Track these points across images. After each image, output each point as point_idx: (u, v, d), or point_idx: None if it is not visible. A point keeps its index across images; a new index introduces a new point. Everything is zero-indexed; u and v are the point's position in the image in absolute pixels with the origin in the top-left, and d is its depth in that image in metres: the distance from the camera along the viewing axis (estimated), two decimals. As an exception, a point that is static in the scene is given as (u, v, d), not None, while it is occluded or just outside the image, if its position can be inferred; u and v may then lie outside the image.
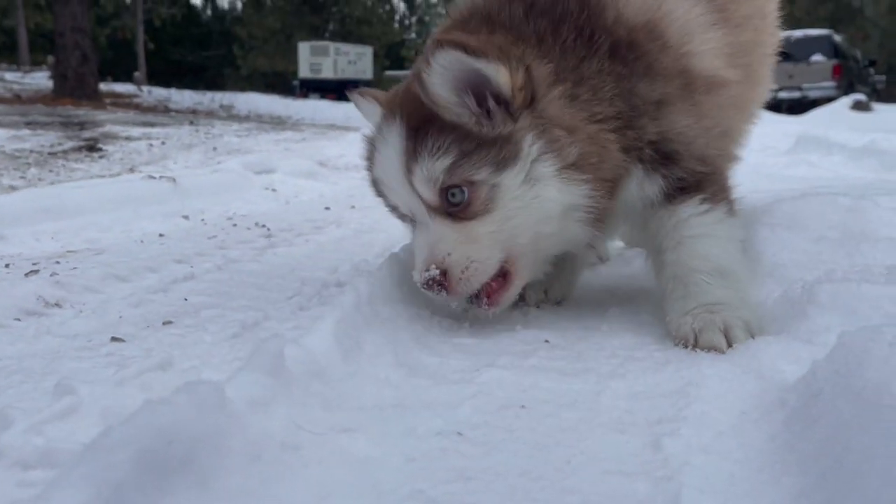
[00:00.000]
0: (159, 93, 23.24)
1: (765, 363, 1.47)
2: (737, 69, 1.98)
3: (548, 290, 2.20)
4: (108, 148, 7.98)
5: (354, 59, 31.13)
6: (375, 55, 35.12)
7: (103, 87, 20.17)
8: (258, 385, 1.31)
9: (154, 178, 4.50)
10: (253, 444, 1.17)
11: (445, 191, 1.70)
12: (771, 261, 2.09)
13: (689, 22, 1.88)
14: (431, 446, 1.28)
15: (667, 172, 1.84)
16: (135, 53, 34.87)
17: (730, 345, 1.63)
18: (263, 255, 3.07)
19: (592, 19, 1.78)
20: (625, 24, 1.80)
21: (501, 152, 1.68)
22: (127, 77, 30.93)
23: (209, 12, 53.32)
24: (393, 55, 45.89)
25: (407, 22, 53.25)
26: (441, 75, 1.67)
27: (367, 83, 30.83)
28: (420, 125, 1.72)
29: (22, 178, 5.58)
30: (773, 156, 7.06)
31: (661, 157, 1.82)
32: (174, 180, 4.42)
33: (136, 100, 20.40)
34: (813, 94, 19.44)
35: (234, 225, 3.83)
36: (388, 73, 34.26)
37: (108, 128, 10.29)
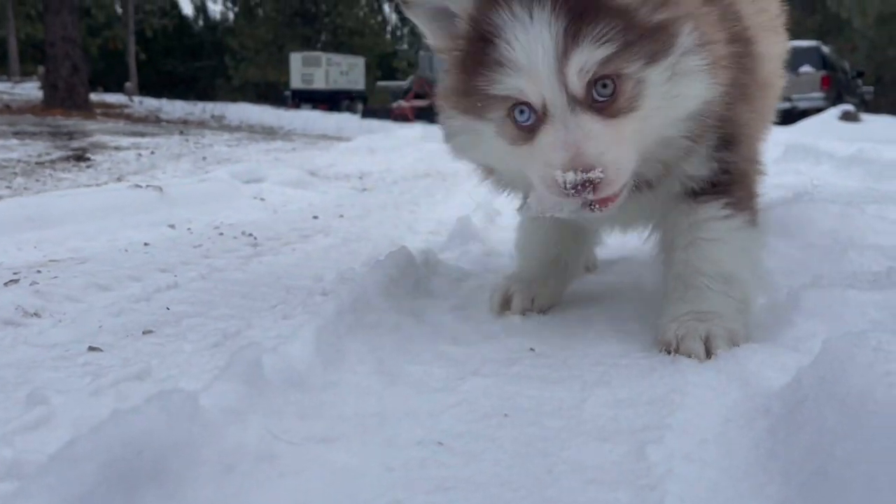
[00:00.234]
0: (150, 103, 23.22)
1: (750, 370, 1.45)
2: (780, 78, 2.04)
3: (535, 299, 2.17)
4: (97, 158, 7.94)
5: (346, 70, 31.18)
6: (367, 66, 35.21)
7: (94, 97, 20.11)
8: (234, 394, 1.29)
9: (140, 187, 4.47)
10: (226, 454, 1.14)
11: (594, 82, 1.55)
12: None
13: (762, 24, 1.97)
14: (411, 456, 1.25)
15: (721, 158, 1.82)
16: (126, 64, 34.83)
17: (709, 355, 1.62)
18: (249, 264, 3.05)
19: None
20: None
21: (656, 43, 1.57)
22: (118, 87, 30.87)
23: (201, 23, 53.35)
24: (385, 66, 46.01)
25: (399, 33, 53.38)
26: None
27: (359, 94, 30.94)
28: (584, 7, 1.54)
29: (8, 187, 5.53)
30: (762, 165, 7.06)
31: (723, 140, 1.81)
32: (161, 189, 4.39)
33: (126, 110, 20.37)
34: (802, 105, 19.55)
35: (221, 234, 3.80)
36: (380, 83, 34.32)
37: (97, 138, 10.25)
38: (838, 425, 1.05)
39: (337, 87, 30.21)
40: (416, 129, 14.44)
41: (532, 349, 1.80)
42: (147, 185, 4.52)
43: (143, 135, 11.25)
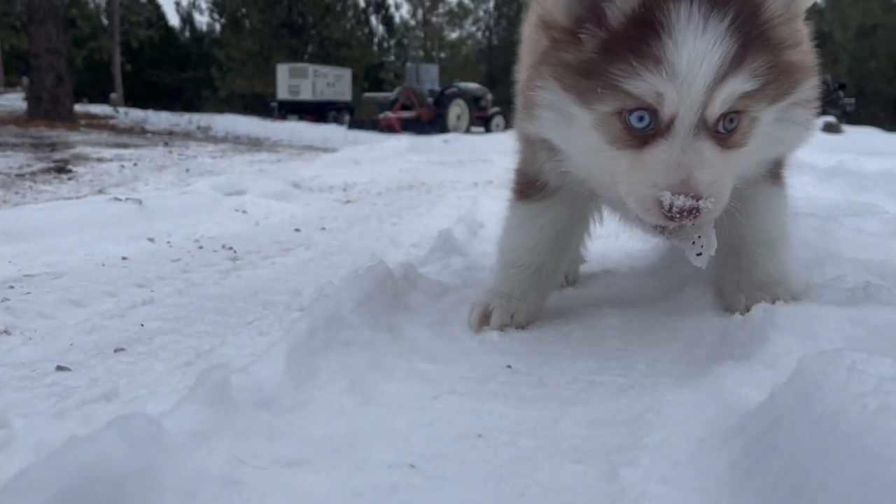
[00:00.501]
0: (136, 114, 23.12)
1: (727, 388, 1.43)
2: None
3: (514, 314, 2.15)
4: (78, 169, 7.87)
5: (333, 82, 31.14)
6: (354, 77, 35.20)
7: (79, 108, 20.02)
8: (199, 417, 1.26)
9: (120, 199, 4.42)
10: (189, 480, 1.11)
11: (726, 114, 1.52)
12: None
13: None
14: (381, 480, 1.23)
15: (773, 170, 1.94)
16: (112, 75, 34.68)
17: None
18: (227, 279, 3.01)
19: None
20: None
21: (781, 86, 1.57)
22: (104, 99, 30.74)
23: (187, 34, 53.24)
24: (372, 77, 46.04)
25: (386, 45, 53.47)
26: None
27: (346, 105, 30.92)
28: (754, 36, 1.49)
29: (-14, 200, 5.47)
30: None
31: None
32: (140, 202, 4.34)
33: (111, 121, 20.27)
34: (786, 116, 19.69)
35: (201, 247, 3.76)
36: (367, 94, 34.30)
37: (79, 149, 10.18)
38: (812, 447, 1.04)
39: (324, 98, 30.16)
40: (403, 141, 14.45)
41: (509, 366, 1.77)
42: (127, 198, 4.46)
43: (126, 146, 11.18)
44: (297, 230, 4.43)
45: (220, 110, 32.32)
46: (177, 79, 48.00)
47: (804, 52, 1.63)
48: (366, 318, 1.93)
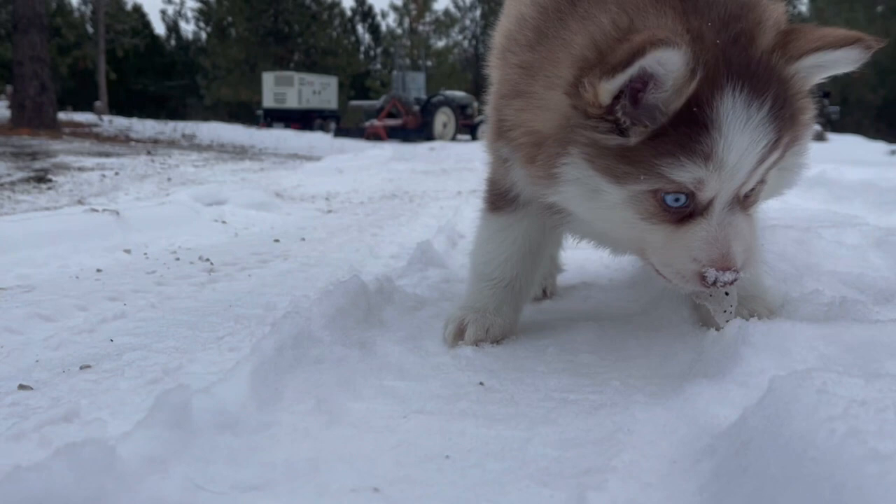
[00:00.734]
0: (120, 122, 22.99)
1: (698, 407, 1.41)
2: None
3: (489, 329, 2.12)
4: (59, 179, 7.79)
5: (319, 90, 31.13)
6: (340, 85, 35.22)
7: (63, 116, 19.89)
8: (157, 441, 1.22)
9: (97, 210, 4.36)
10: (141, 509, 1.07)
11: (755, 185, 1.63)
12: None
13: None
14: (343, 504, 1.19)
15: None
16: (96, 83, 34.49)
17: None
18: (202, 292, 2.97)
19: None
20: None
21: (792, 144, 1.67)
22: (88, 107, 30.55)
23: (173, 42, 53.06)
24: (358, 85, 46.06)
25: (372, 53, 53.52)
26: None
27: (332, 113, 30.90)
28: (787, 118, 1.56)
29: (-38, 210, 5.39)
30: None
31: None
32: (117, 213, 4.29)
33: (95, 129, 20.15)
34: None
35: (177, 259, 3.71)
36: (353, 102, 34.29)
37: (60, 158, 10.09)
38: (780, 472, 1.01)
39: (309, 106, 30.15)
40: (387, 150, 14.44)
41: (481, 383, 1.74)
42: (104, 209, 4.41)
43: (109, 155, 11.10)
44: (276, 241, 4.39)
45: (206, 118, 32.18)
46: (162, 87, 47.83)
47: (809, 108, 1.70)
48: (337, 334, 1.90)
